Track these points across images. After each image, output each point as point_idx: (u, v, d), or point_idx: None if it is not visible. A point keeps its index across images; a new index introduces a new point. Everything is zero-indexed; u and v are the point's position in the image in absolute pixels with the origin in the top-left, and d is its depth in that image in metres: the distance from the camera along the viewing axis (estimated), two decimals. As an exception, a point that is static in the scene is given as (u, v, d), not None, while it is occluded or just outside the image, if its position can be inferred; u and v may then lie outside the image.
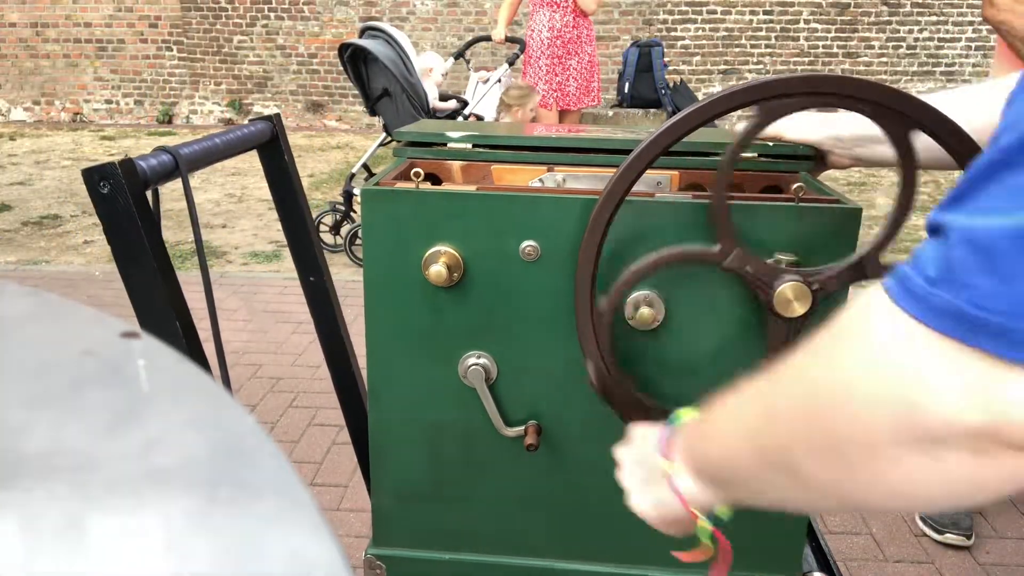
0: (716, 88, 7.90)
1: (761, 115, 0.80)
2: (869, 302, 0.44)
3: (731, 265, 0.83)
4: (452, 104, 4.29)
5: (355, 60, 3.95)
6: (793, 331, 0.85)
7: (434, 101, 4.23)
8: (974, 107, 0.87)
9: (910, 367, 0.41)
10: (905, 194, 0.82)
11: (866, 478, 0.45)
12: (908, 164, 0.81)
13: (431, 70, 4.44)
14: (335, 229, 4.32)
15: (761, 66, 7.90)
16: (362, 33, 4.01)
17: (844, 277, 0.83)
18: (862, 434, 0.43)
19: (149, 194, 0.89)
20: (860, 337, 0.44)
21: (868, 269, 0.83)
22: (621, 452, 0.74)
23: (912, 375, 0.40)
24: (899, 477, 0.43)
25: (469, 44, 4.80)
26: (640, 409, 0.88)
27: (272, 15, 8.30)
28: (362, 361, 1.05)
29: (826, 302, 0.84)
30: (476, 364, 0.94)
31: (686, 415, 0.67)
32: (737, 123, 1.06)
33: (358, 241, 4.12)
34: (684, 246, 0.86)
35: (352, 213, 4.25)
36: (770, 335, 0.86)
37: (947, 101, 0.83)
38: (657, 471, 0.66)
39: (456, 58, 4.67)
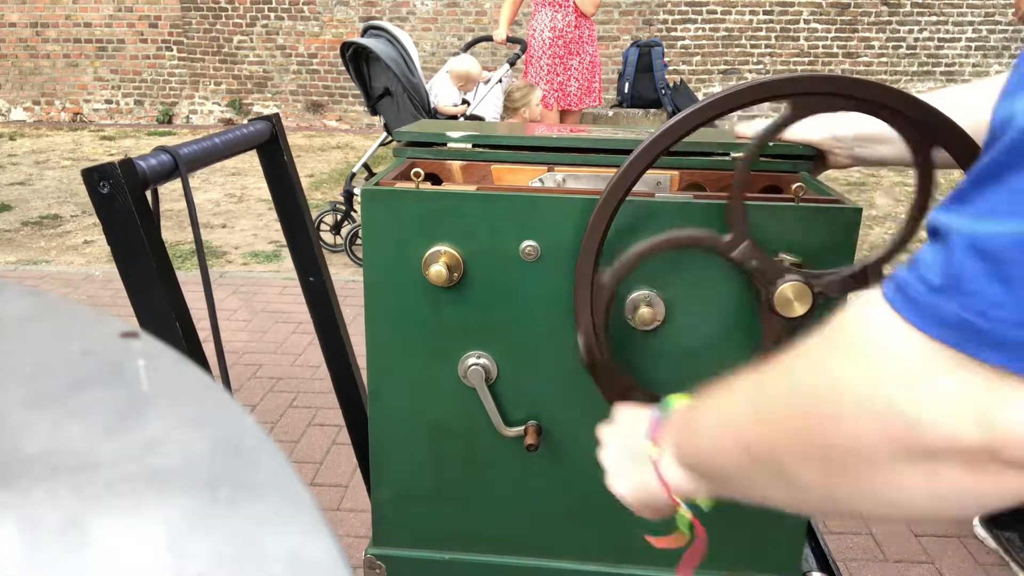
0: (716, 88, 7.90)
1: (789, 113, 0.79)
2: (866, 307, 0.42)
3: (739, 257, 0.83)
4: (460, 107, 4.26)
5: (357, 59, 3.95)
6: (789, 331, 0.85)
7: (447, 105, 4.17)
8: (975, 107, 0.87)
9: (907, 378, 0.38)
10: (918, 206, 0.82)
11: (855, 487, 0.43)
12: (925, 174, 0.80)
13: (463, 85, 4.30)
14: (335, 229, 4.33)
15: (761, 66, 7.90)
16: (364, 32, 4.01)
17: (847, 283, 0.83)
18: (852, 443, 0.41)
19: (149, 194, 0.89)
20: (855, 344, 0.42)
21: (872, 278, 0.83)
22: (606, 431, 0.73)
23: (909, 386, 0.38)
24: (891, 488, 0.41)
25: (470, 44, 4.80)
26: (624, 390, 0.88)
27: (272, 15, 8.30)
28: (362, 361, 1.05)
29: (824, 305, 0.84)
30: (476, 364, 0.94)
31: (677, 401, 0.65)
32: (737, 123, 1.06)
33: (358, 241, 4.12)
34: (695, 230, 0.85)
35: (352, 213, 4.25)
36: (766, 334, 0.86)
37: (948, 100, 0.83)
38: (642, 455, 0.65)
39: (457, 58, 4.67)
